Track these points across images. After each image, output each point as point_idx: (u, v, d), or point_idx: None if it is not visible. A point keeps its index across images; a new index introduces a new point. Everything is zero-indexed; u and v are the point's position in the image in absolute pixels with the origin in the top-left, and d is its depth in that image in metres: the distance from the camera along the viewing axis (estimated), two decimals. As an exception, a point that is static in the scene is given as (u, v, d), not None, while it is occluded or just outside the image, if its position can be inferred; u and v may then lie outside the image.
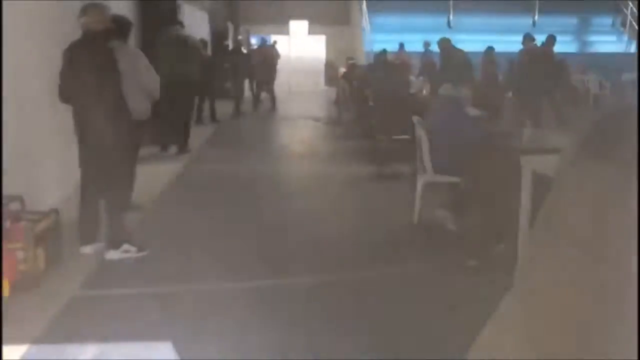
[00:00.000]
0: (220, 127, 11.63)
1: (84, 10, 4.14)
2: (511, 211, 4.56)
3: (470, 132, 4.94)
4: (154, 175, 6.98)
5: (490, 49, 14.02)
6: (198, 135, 9.87)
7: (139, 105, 5.00)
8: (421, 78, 10.64)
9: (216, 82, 12.57)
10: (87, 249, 4.35)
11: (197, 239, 4.81)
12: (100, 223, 4.44)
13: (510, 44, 16.08)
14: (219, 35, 16.40)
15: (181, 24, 8.71)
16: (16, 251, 3.40)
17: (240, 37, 19.87)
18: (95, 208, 4.39)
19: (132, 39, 8.77)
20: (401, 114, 7.67)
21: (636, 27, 19.66)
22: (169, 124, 8.59)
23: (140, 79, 4.94)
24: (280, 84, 20.78)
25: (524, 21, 21.69)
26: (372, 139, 9.03)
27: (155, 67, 8.13)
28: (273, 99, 14.75)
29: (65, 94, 4.20)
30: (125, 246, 4.40)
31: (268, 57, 15.13)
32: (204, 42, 12.19)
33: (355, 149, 9.10)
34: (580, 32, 21.91)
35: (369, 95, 9.29)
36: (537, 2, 21.53)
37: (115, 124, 4.07)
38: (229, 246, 4.65)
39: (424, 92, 8.76)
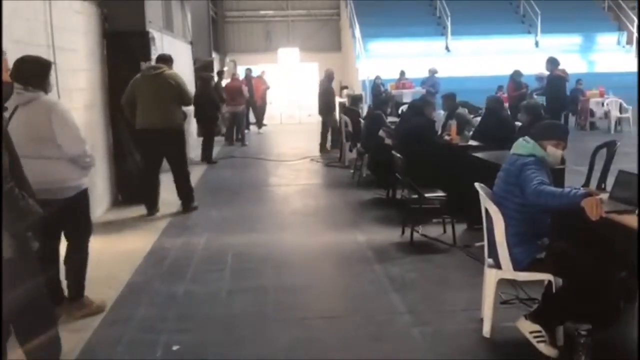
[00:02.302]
0: (205, 173, 10.04)
1: None
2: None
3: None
4: (115, 262, 5.32)
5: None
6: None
7: (69, 176, 3.80)
8: (439, 112, 9.12)
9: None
10: None
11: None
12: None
13: (513, 65, 14.90)
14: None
15: (165, 59, 7.17)
16: None
17: (225, 68, 18.42)
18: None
19: (99, 81, 7.31)
20: (432, 163, 6.15)
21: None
22: (148, 181, 7.11)
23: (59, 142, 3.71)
24: (272, 116, 19.40)
25: (526, 42, 20.56)
26: (390, 189, 7.49)
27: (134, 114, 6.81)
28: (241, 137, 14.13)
29: None
30: None
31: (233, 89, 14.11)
32: (207, 77, 11.79)
33: (371, 204, 7.52)
34: (586, 50, 20.71)
35: (383, 135, 7.75)
36: (539, 22, 20.30)
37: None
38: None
39: (451, 131, 7.17)
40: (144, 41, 7.60)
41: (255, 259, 5.31)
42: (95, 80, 7.17)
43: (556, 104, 9.44)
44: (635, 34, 19.00)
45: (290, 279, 4.81)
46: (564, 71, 10.25)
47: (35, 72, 3.73)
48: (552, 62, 10.02)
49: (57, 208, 3.66)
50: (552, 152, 3.53)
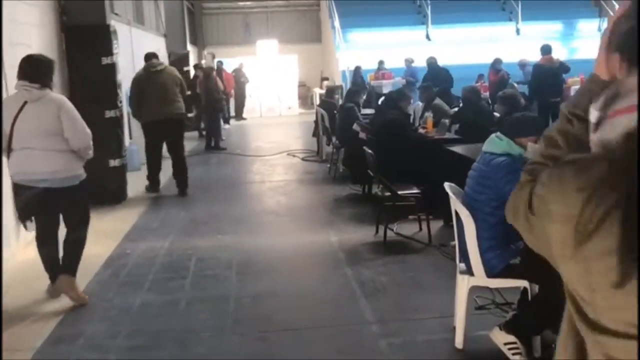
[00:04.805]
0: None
1: None
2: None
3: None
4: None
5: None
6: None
7: (73, 166, 4.15)
8: (417, 104, 8.85)
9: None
10: None
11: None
12: None
13: (494, 54, 14.66)
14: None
15: (156, 56, 7.86)
16: None
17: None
18: None
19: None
20: (407, 158, 5.89)
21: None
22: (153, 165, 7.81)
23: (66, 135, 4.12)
24: (251, 109, 19.02)
25: (507, 29, 20.35)
26: (365, 185, 7.23)
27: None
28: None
29: None
30: None
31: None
32: (207, 70, 12.17)
33: (346, 201, 7.24)
34: (567, 37, 20.54)
35: (357, 129, 7.47)
36: (520, 9, 20.10)
37: None
38: None
39: (427, 123, 6.91)
40: (105, 35, 7.23)
41: (219, 265, 5.02)
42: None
43: (535, 94, 9.22)
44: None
45: (255, 286, 4.52)
46: (548, 59, 9.95)
47: (42, 70, 3.98)
48: (541, 50, 9.80)
49: (60, 195, 4.01)
50: (534, 148, 3.26)
